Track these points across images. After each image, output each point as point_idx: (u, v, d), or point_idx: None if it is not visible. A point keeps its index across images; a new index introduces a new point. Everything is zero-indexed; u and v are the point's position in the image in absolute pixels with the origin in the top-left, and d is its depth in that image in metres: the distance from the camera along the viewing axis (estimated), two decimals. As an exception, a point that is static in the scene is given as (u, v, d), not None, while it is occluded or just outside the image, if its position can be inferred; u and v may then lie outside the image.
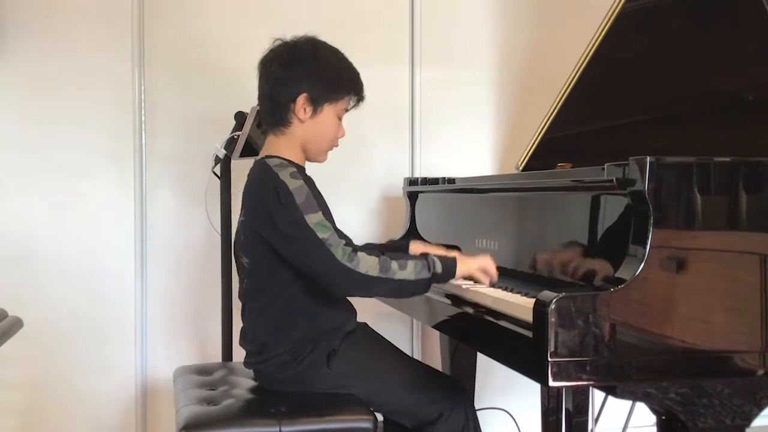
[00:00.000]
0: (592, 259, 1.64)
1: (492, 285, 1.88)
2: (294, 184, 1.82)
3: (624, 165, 1.49)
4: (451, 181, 2.49)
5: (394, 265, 1.79)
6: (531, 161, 2.50)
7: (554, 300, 1.39)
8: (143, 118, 2.80)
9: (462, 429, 1.92)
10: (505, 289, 1.82)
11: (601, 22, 2.31)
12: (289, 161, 1.90)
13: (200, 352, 2.84)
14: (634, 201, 1.48)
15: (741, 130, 1.88)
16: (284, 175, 1.83)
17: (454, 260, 1.85)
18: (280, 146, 1.95)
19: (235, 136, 2.44)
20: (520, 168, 2.53)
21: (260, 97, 1.97)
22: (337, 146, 2.03)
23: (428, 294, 2.02)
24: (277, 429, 1.75)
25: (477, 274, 1.87)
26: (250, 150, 2.43)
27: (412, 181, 2.67)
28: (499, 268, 1.90)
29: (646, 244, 1.43)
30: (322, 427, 1.79)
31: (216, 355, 2.60)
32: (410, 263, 1.80)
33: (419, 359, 2.99)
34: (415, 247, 2.14)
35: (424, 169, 3.01)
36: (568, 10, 3.09)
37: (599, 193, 1.63)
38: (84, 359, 2.76)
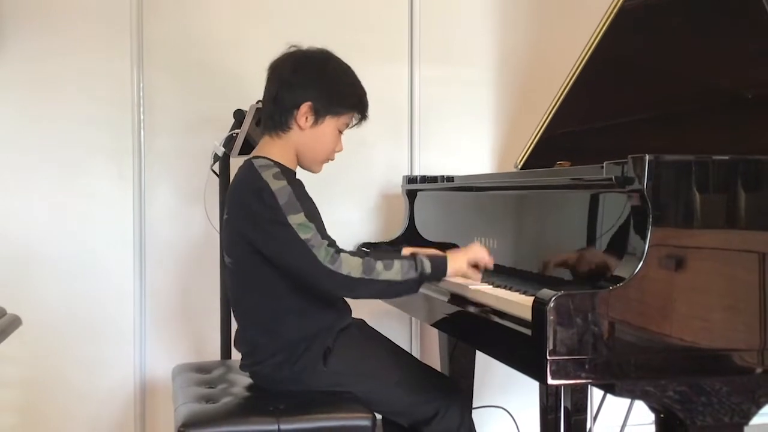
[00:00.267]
0: (590, 257, 1.64)
1: (489, 273, 1.89)
2: (276, 185, 1.82)
3: (623, 163, 1.49)
4: (450, 179, 2.49)
5: (379, 266, 1.78)
6: (530, 159, 2.50)
7: (553, 298, 1.39)
8: (142, 117, 2.80)
9: (457, 428, 1.92)
10: (504, 287, 1.82)
11: (600, 20, 2.31)
12: (276, 163, 1.89)
13: (199, 350, 2.84)
14: (633, 199, 1.48)
15: (740, 129, 1.88)
16: (267, 175, 1.83)
17: (444, 259, 1.84)
18: (273, 149, 1.95)
19: (234, 134, 2.44)
20: (519, 166, 2.53)
21: (265, 99, 1.98)
22: (333, 159, 2.02)
23: (427, 292, 2.03)
24: (276, 427, 1.75)
25: (469, 271, 1.86)
26: (249, 148, 2.43)
27: (411, 179, 2.67)
28: (492, 258, 1.89)
29: (645, 242, 1.44)
30: (320, 425, 1.79)
31: (215, 353, 2.60)
32: (396, 263, 1.79)
33: (418, 357, 2.99)
34: (407, 251, 2.11)
35: (423, 167, 3.01)
36: (567, 8, 3.09)
37: (598, 192, 1.63)
38: (83, 357, 2.76)
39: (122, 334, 2.80)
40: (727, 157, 1.51)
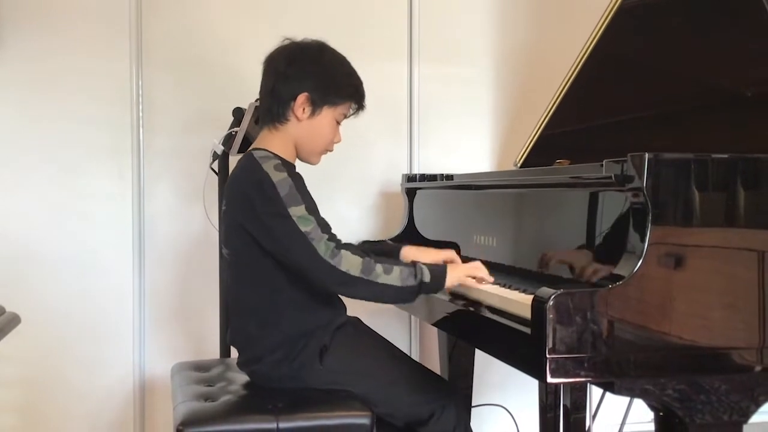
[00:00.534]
0: (590, 255, 1.64)
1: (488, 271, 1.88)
2: (277, 177, 1.81)
3: (622, 161, 1.49)
4: (450, 177, 2.49)
5: (379, 268, 1.78)
6: (529, 158, 2.50)
7: (552, 296, 1.39)
8: (141, 116, 2.80)
9: (453, 429, 1.91)
10: (504, 285, 1.82)
11: (600, 19, 2.31)
12: (275, 154, 1.89)
13: (198, 349, 2.84)
14: (633, 197, 1.48)
15: (739, 128, 1.88)
16: (268, 167, 1.83)
17: (444, 269, 1.83)
18: (272, 141, 1.95)
19: (233, 133, 2.44)
20: (519, 164, 2.53)
21: (262, 92, 1.98)
22: (331, 150, 2.02)
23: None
24: (275, 425, 1.75)
25: (468, 282, 1.85)
26: (247, 146, 2.42)
27: (410, 178, 2.67)
28: (493, 275, 1.88)
29: (645, 240, 1.44)
30: (319, 423, 1.79)
31: (214, 352, 2.60)
32: (396, 269, 1.79)
33: (417, 356, 3.00)
34: (407, 252, 2.10)
35: (423, 166, 3.01)
36: (566, 6, 3.09)
37: (598, 190, 1.63)
38: (82, 356, 2.76)
39: (121, 333, 2.80)
40: (726, 156, 1.51)
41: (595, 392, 2.37)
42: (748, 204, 1.51)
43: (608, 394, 1.62)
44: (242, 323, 1.96)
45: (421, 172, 2.83)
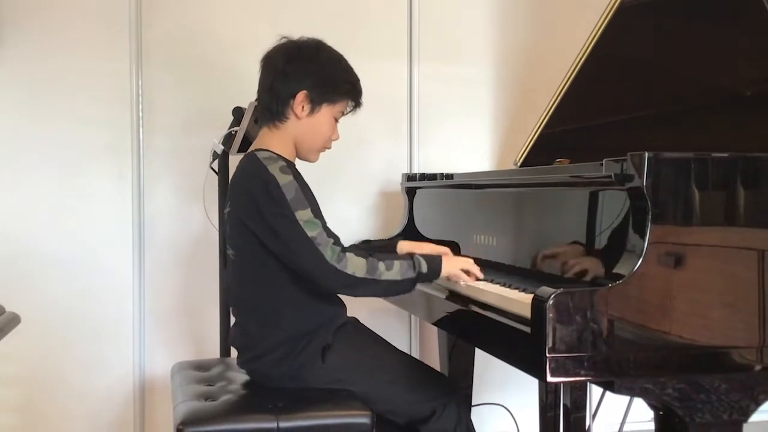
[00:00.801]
0: (590, 254, 1.64)
1: (489, 271, 1.92)
2: (284, 179, 1.82)
3: (622, 161, 1.49)
4: (450, 176, 2.49)
5: (381, 266, 1.81)
6: (529, 157, 2.50)
7: (552, 296, 1.39)
8: (141, 115, 2.80)
9: (454, 427, 1.92)
10: (504, 285, 1.82)
11: (600, 18, 2.31)
12: (279, 155, 1.90)
13: (198, 348, 2.84)
14: (633, 197, 1.48)
15: (739, 127, 1.88)
16: (274, 168, 1.84)
17: (439, 259, 1.87)
18: (272, 140, 1.95)
19: (233, 132, 2.44)
20: (519, 164, 2.53)
21: (260, 91, 1.98)
22: (329, 148, 2.03)
23: (427, 290, 2.03)
24: (275, 425, 1.75)
25: (461, 275, 1.88)
26: (247, 146, 2.43)
27: (410, 177, 2.67)
28: (474, 261, 1.92)
29: (644, 239, 1.44)
30: (319, 422, 1.79)
31: (214, 351, 2.60)
32: (396, 264, 1.82)
33: (417, 355, 3.00)
34: (403, 246, 2.12)
35: (423, 165, 3.01)
36: (566, 5, 3.09)
37: (597, 189, 1.63)
38: (82, 355, 2.76)
39: (121, 333, 2.80)
40: (726, 155, 1.51)
41: (595, 391, 2.37)
42: (748, 203, 1.51)
43: (608, 394, 1.62)
44: (244, 323, 1.96)
45: (421, 171, 2.83)
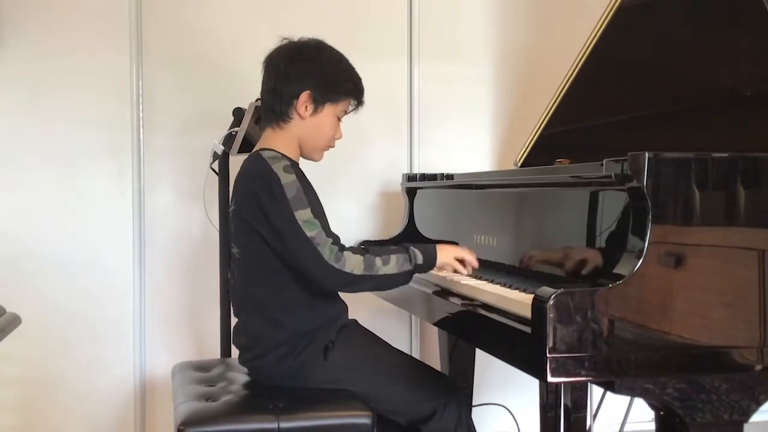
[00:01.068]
0: (590, 254, 1.64)
1: (475, 276, 1.94)
2: (286, 179, 1.84)
3: (622, 161, 1.49)
4: (450, 177, 2.49)
5: (378, 261, 1.83)
6: (530, 157, 2.50)
7: (553, 296, 1.39)
8: (141, 115, 2.80)
9: (455, 427, 1.92)
10: (504, 285, 1.82)
11: (600, 18, 2.31)
12: (283, 155, 1.92)
13: (198, 349, 2.84)
14: (633, 197, 1.48)
15: (739, 127, 1.88)
16: (278, 168, 1.85)
17: (434, 250, 1.90)
18: (276, 140, 1.97)
19: (233, 132, 2.44)
20: (519, 164, 2.52)
21: (263, 92, 2.00)
22: (333, 147, 2.05)
23: (427, 290, 2.03)
24: (276, 425, 1.75)
25: (456, 265, 1.91)
26: (248, 146, 2.43)
27: (410, 177, 2.67)
28: (479, 259, 1.95)
29: (645, 239, 1.44)
30: (320, 423, 1.79)
31: (214, 352, 2.60)
32: (393, 258, 1.84)
33: (418, 355, 3.00)
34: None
35: (423, 165, 3.01)
36: (566, 5, 3.09)
37: (598, 189, 1.63)
38: (82, 356, 2.76)
39: (122, 333, 2.80)
40: (726, 155, 1.51)
41: (595, 391, 2.37)
42: (748, 203, 1.51)
43: (609, 394, 1.62)
44: (248, 322, 1.97)
45: (422, 171, 2.83)
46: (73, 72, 2.74)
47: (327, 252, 1.80)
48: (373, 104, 2.05)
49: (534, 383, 2.42)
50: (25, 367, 2.74)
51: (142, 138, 2.80)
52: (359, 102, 2.02)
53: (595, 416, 2.40)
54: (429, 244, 1.92)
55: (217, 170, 2.51)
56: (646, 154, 1.45)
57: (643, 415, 2.28)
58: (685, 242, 1.47)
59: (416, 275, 1.92)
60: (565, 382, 2.15)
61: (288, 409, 1.79)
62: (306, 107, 1.94)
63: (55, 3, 2.74)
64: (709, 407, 1.48)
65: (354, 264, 1.80)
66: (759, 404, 1.52)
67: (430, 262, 1.88)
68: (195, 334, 2.86)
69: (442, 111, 3.04)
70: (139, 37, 2.79)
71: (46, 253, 2.74)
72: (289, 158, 1.92)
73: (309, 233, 1.80)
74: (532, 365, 1.46)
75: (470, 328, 1.86)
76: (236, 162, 2.52)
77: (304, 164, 2.01)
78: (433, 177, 2.58)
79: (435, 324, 2.12)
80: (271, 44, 2.00)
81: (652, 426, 1.58)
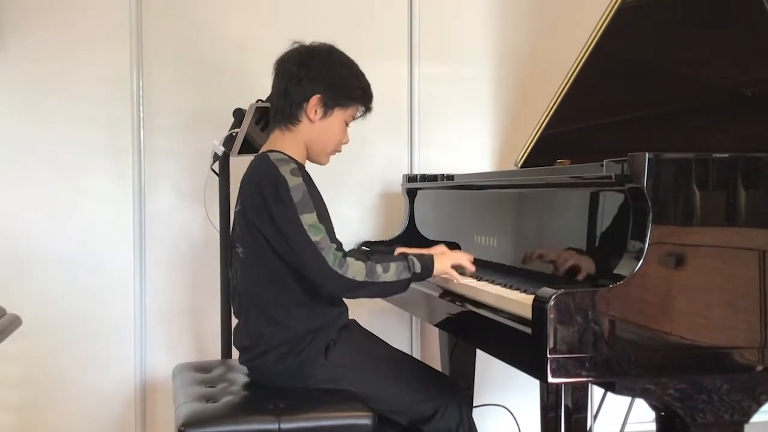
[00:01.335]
0: (590, 255, 1.64)
1: (475, 277, 1.96)
2: (293, 182, 1.85)
3: (623, 161, 1.49)
4: (450, 177, 2.49)
5: (379, 269, 1.84)
6: (530, 157, 2.50)
7: (553, 296, 1.39)
8: (142, 116, 2.80)
9: (457, 427, 1.93)
10: (504, 285, 1.82)
11: (600, 18, 2.31)
12: (290, 157, 1.92)
13: (199, 349, 2.84)
14: (633, 197, 1.48)
15: (740, 127, 1.88)
16: (285, 170, 1.86)
17: (431, 258, 1.90)
18: (284, 142, 1.98)
19: (234, 134, 2.44)
20: (519, 164, 2.52)
21: (273, 94, 2.01)
22: (339, 151, 2.07)
23: (427, 291, 2.03)
24: (276, 426, 1.75)
25: (452, 273, 1.92)
26: (248, 147, 2.43)
27: (410, 178, 2.67)
28: (474, 261, 1.96)
29: (645, 240, 1.43)
30: (321, 423, 1.79)
31: (215, 352, 2.60)
32: (392, 265, 1.85)
33: (418, 356, 3.00)
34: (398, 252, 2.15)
35: (423, 166, 3.01)
36: (567, 5, 3.09)
37: (598, 190, 1.63)
38: (83, 356, 2.76)
39: (122, 333, 2.80)
40: (726, 155, 1.51)
41: (596, 392, 2.37)
42: (748, 203, 1.51)
43: (609, 394, 1.62)
44: (250, 322, 1.97)
45: (422, 172, 2.83)
46: (73, 72, 2.74)
47: (331, 257, 1.81)
48: (374, 105, 2.06)
49: (534, 384, 2.41)
50: (25, 368, 2.74)
51: (142, 138, 2.80)
52: (367, 108, 2.04)
53: (595, 417, 2.40)
54: (427, 253, 1.92)
55: (217, 171, 2.50)
56: (647, 155, 1.45)
57: (643, 415, 2.28)
58: (685, 243, 1.47)
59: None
60: (565, 383, 2.15)
61: (289, 410, 1.79)
62: (315, 111, 1.95)
63: (56, 3, 2.74)
64: (710, 408, 1.48)
65: (356, 270, 1.81)
66: (760, 404, 1.52)
67: (427, 271, 1.89)
68: (195, 334, 2.86)
69: (442, 111, 3.04)
70: (140, 38, 2.79)
71: (46, 253, 2.74)
72: (296, 161, 1.92)
73: (314, 237, 1.81)
74: (533, 366, 1.46)
75: (471, 329, 1.86)
76: (236, 163, 2.52)
77: (307, 165, 2.01)
78: (433, 178, 2.58)
79: (435, 325, 2.12)
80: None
81: (653, 427, 1.58)
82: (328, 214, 1.90)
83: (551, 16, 3.11)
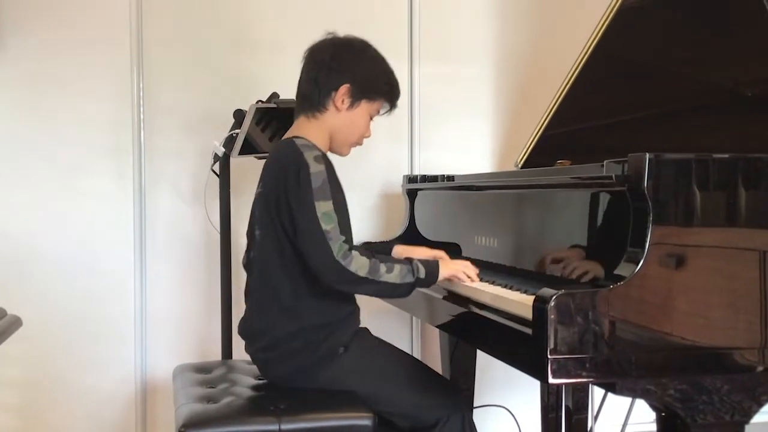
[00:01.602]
0: (591, 256, 1.64)
1: (490, 272, 1.94)
2: (315, 168, 1.86)
3: (623, 162, 1.49)
4: (451, 178, 2.49)
5: (383, 268, 1.83)
6: (530, 158, 2.50)
7: (554, 297, 1.39)
8: (142, 116, 2.80)
9: None
10: (505, 286, 1.82)
11: (601, 18, 2.31)
12: (314, 145, 1.94)
13: (200, 350, 2.84)
14: (633, 198, 1.48)
15: (740, 127, 1.88)
16: (309, 156, 1.87)
17: (436, 264, 1.90)
18: (309, 129, 1.99)
19: (234, 134, 2.44)
20: (520, 165, 2.52)
21: (302, 81, 2.03)
22: (360, 144, 2.09)
23: (428, 292, 2.03)
24: (277, 426, 1.75)
25: (460, 275, 1.91)
26: (249, 148, 2.43)
27: (411, 179, 2.67)
28: (475, 262, 1.95)
29: (645, 241, 1.43)
30: (321, 424, 1.79)
31: (215, 352, 2.60)
32: (397, 266, 1.85)
33: (419, 357, 3.00)
34: (398, 250, 2.17)
35: (423, 167, 3.01)
36: (567, 6, 3.09)
37: (598, 190, 1.63)
38: (83, 357, 2.76)
39: (123, 334, 2.80)
40: (727, 156, 1.51)
41: (596, 393, 2.37)
42: (749, 204, 1.51)
43: (610, 395, 1.62)
44: (261, 308, 1.96)
45: (422, 172, 2.83)
46: (74, 73, 2.74)
47: (336, 248, 1.81)
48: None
49: (535, 384, 2.42)
50: (26, 369, 2.74)
51: (143, 139, 2.80)
52: (393, 105, 2.06)
53: (596, 417, 2.40)
54: (433, 260, 1.92)
55: (217, 172, 2.51)
56: (647, 155, 1.45)
57: (644, 416, 2.28)
58: (685, 243, 1.47)
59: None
60: (566, 384, 2.14)
61: (289, 411, 1.79)
62: (343, 100, 1.97)
63: (56, 3, 2.74)
64: (711, 408, 1.48)
65: (359, 265, 1.81)
66: (760, 405, 1.52)
67: (432, 276, 1.88)
68: (196, 335, 2.86)
69: (442, 112, 3.04)
70: (140, 39, 2.79)
71: (46, 254, 2.74)
72: (319, 149, 1.93)
73: (325, 226, 1.82)
74: (533, 366, 1.45)
75: (471, 330, 1.86)
76: (237, 164, 2.52)
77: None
78: (433, 178, 2.58)
79: (436, 326, 2.12)
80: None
81: (654, 427, 1.58)
82: (345, 206, 1.92)
83: (551, 16, 3.11)
